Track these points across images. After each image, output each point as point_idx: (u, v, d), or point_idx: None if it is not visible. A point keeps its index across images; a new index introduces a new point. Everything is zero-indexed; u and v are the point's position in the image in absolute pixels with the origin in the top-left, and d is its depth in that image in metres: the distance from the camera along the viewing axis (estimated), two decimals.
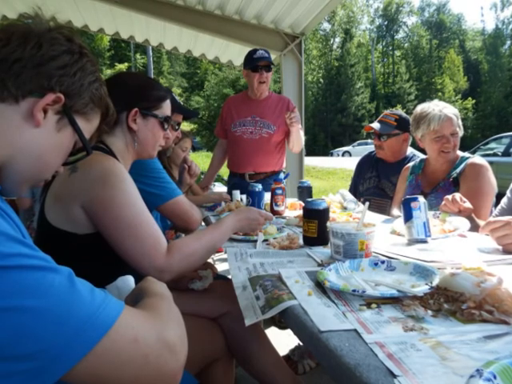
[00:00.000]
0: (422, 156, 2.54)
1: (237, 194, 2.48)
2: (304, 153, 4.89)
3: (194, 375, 1.32)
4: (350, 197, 2.33)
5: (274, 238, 1.58)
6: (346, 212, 2.10)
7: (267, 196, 2.30)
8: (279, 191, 2.21)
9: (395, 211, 2.23)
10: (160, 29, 5.32)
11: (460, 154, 2.19)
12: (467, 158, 2.14)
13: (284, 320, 0.93)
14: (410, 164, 2.44)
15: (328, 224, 1.45)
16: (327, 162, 19.27)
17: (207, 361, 1.44)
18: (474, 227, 1.62)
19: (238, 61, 5.83)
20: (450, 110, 2.13)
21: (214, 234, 1.34)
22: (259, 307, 0.96)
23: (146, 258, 1.15)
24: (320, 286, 1.01)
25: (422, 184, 2.28)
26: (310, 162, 16.02)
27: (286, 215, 2.19)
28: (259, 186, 2.22)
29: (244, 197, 2.39)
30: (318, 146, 37.68)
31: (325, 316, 0.83)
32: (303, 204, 1.61)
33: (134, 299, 0.78)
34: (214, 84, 33.45)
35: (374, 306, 0.87)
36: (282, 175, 3.13)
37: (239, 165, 3.16)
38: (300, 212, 1.97)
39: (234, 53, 5.72)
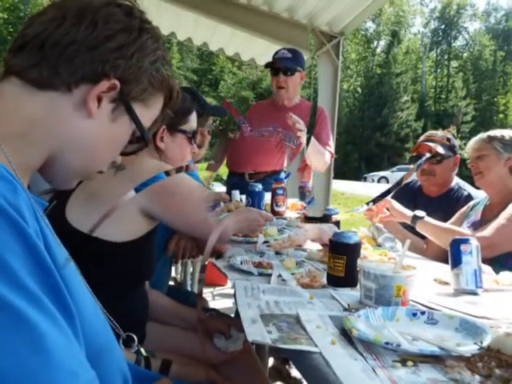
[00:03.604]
0: (470, 187, 2.67)
1: (236, 194, 2.60)
2: (332, 175, 4.92)
3: None
4: (387, 232, 2.34)
5: (275, 240, 1.65)
6: (381, 250, 2.10)
7: (267, 196, 2.46)
8: (280, 191, 2.39)
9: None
10: (173, 16, 5.46)
11: None
12: None
13: (301, 371, 0.94)
14: (471, 203, 2.47)
15: (359, 262, 1.47)
16: (359, 188, 19.22)
17: None
18: None
19: (262, 59, 5.93)
20: None
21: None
22: (270, 339, 1.00)
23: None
24: (346, 335, 1.02)
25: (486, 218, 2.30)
26: (339, 186, 16.04)
27: (287, 216, 2.34)
28: (259, 186, 2.39)
29: (244, 197, 2.51)
30: (349, 167, 37.69)
31: (350, 370, 0.85)
32: (305, 204, 1.71)
33: None
34: (230, 84, 33.90)
35: (410, 363, 0.88)
36: (282, 175, 3.27)
37: (239, 164, 3.34)
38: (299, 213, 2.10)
39: (258, 49, 5.82)
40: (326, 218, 2.18)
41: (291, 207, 2.60)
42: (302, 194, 3.24)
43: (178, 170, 1.35)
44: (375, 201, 2.39)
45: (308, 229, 2.03)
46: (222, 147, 3.52)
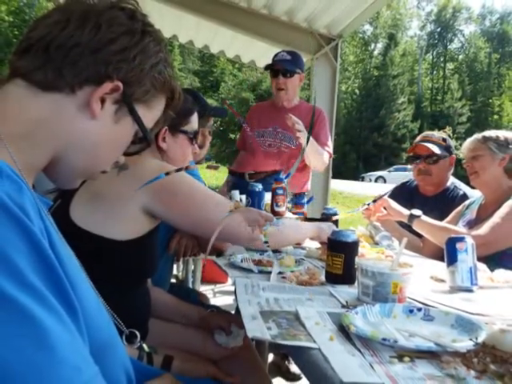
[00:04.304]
0: (465, 187, 2.69)
1: (236, 194, 2.58)
2: (330, 174, 4.93)
3: None
4: (384, 231, 2.35)
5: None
6: (378, 248, 2.11)
7: (267, 196, 2.43)
8: (280, 191, 2.35)
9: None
10: (175, 19, 5.46)
11: None
12: None
13: (300, 367, 0.95)
14: (466, 202, 2.48)
15: (356, 260, 1.47)
16: (357, 188, 19.23)
17: None
18: None
19: (262, 62, 5.94)
20: None
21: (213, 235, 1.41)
22: (270, 335, 1.00)
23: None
24: (344, 331, 1.03)
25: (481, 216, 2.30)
26: (337, 185, 16.07)
27: (287, 216, 2.32)
28: (259, 186, 2.36)
29: (243, 197, 2.50)
30: (347, 167, 37.66)
31: (348, 366, 0.85)
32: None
33: None
34: (231, 86, 33.93)
35: (406, 359, 0.88)
36: (282, 175, 3.23)
37: (238, 163, 3.33)
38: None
39: (258, 52, 5.83)
40: (325, 219, 2.17)
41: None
42: (300, 196, 3.24)
43: (178, 169, 1.35)
44: (376, 201, 2.40)
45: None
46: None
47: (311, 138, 2.98)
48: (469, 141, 2.35)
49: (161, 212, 1.35)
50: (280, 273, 1.62)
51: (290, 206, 2.59)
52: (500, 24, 54.17)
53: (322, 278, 1.56)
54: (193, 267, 3.69)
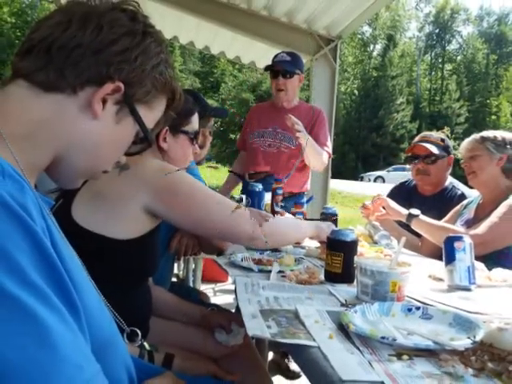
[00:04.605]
0: (464, 186, 2.69)
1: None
2: (329, 174, 4.92)
3: None
4: (383, 230, 2.35)
5: None
6: (377, 247, 2.11)
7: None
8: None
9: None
10: (175, 20, 5.46)
11: None
12: None
13: (299, 365, 0.95)
14: (464, 202, 2.48)
15: (355, 259, 1.47)
16: (356, 188, 19.23)
17: None
18: None
19: (262, 62, 5.94)
20: None
21: None
22: (269, 333, 1.00)
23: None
24: (343, 330, 1.03)
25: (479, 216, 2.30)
26: (336, 185, 16.08)
27: (287, 216, 2.31)
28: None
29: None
30: (346, 167, 37.65)
31: (348, 364, 0.85)
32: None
33: None
34: (231, 87, 33.94)
35: (405, 357, 0.88)
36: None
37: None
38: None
39: (258, 53, 5.83)
40: (324, 219, 2.17)
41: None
42: (299, 196, 3.23)
43: (179, 169, 1.35)
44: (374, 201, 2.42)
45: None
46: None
47: (310, 138, 2.98)
48: (467, 141, 2.36)
49: (162, 211, 1.35)
50: (280, 272, 1.62)
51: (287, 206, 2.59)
52: (498, 25, 54.15)
53: (322, 276, 1.56)
54: (193, 266, 3.69)
